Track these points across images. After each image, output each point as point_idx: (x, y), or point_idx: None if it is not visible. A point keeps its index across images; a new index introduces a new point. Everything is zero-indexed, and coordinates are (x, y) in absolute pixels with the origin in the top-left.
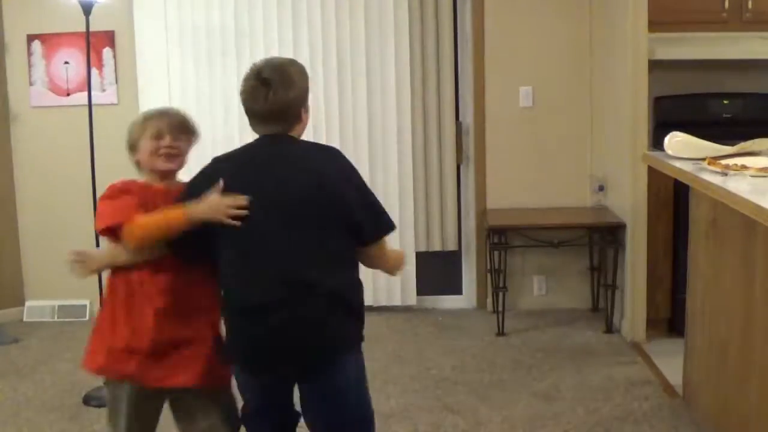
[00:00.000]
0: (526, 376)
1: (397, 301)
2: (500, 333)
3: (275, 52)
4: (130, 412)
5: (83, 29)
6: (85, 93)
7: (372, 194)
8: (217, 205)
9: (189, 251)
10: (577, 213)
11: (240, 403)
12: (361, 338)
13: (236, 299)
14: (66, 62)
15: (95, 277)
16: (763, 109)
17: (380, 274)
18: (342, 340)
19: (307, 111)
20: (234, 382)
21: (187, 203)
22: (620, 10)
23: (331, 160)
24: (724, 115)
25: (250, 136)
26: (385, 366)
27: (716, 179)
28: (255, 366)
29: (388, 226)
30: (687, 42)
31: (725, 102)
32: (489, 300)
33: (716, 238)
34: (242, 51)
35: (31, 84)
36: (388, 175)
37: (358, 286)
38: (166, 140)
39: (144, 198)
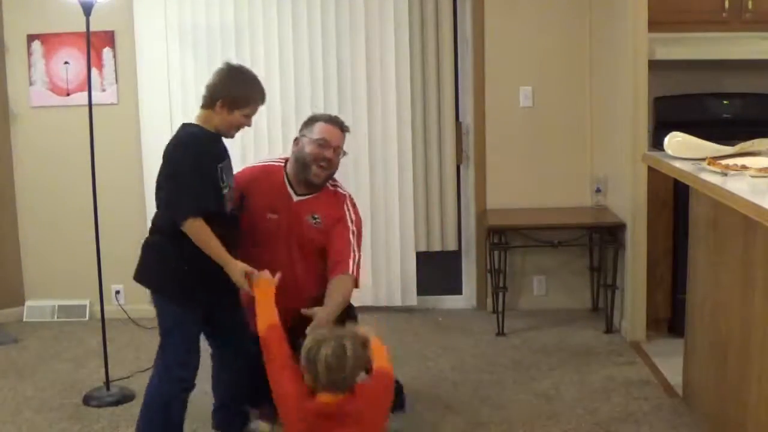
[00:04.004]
0: (526, 376)
1: (397, 302)
2: (500, 333)
3: (275, 52)
4: None
5: (83, 29)
6: (85, 93)
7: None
8: None
9: None
10: (577, 213)
11: None
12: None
13: None
14: (66, 62)
15: (95, 277)
16: (763, 109)
17: (381, 274)
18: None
19: None
20: None
21: None
22: (620, 10)
23: None
24: (724, 115)
25: (249, 135)
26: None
27: (716, 179)
28: None
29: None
30: (687, 42)
31: (725, 102)
32: (489, 300)
33: (716, 238)
34: (242, 51)
35: (31, 84)
36: (388, 175)
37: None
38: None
39: None
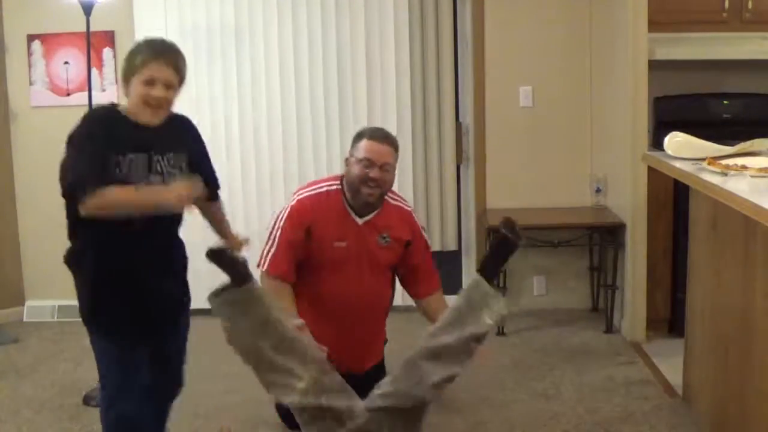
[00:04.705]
0: (526, 376)
1: (397, 301)
2: (500, 333)
3: (275, 52)
4: None
5: (83, 29)
6: (85, 93)
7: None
8: None
9: None
10: (577, 213)
11: None
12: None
13: None
14: (66, 62)
15: None
16: (763, 109)
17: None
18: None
19: None
20: None
21: None
22: (620, 10)
23: None
24: (724, 115)
25: (250, 136)
26: (386, 366)
27: (716, 179)
28: None
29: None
30: (687, 42)
31: (725, 102)
32: None
33: (716, 238)
34: (242, 51)
35: (31, 84)
36: None
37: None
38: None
39: None
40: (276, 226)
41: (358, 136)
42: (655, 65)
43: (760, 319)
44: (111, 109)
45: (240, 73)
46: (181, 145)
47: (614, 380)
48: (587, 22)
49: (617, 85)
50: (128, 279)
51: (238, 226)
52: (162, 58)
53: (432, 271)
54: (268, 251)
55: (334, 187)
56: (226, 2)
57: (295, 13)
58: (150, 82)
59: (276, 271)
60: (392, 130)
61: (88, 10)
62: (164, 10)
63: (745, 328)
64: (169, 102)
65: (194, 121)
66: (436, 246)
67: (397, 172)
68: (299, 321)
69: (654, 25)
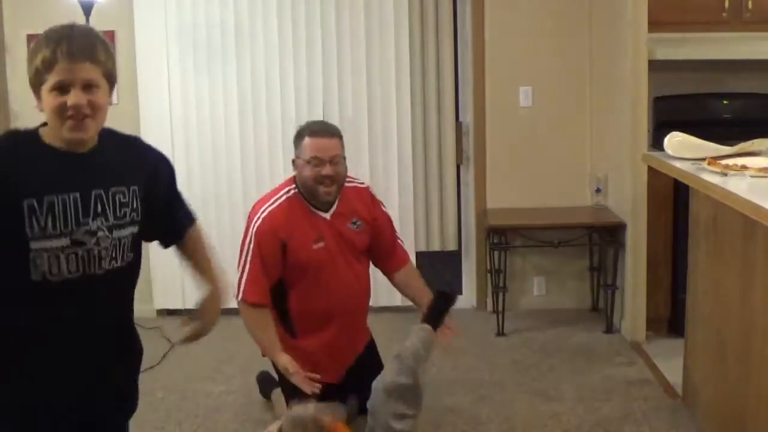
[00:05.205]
0: (526, 376)
1: (397, 302)
2: (500, 333)
3: (275, 52)
4: None
5: None
6: None
7: None
8: None
9: None
10: (577, 213)
11: None
12: None
13: None
14: None
15: None
16: (763, 109)
17: (381, 274)
18: None
19: None
20: None
21: None
22: (620, 10)
23: None
24: (724, 115)
25: (249, 134)
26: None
27: (716, 179)
28: None
29: None
30: (687, 42)
31: (725, 102)
32: (489, 300)
33: (716, 238)
34: (242, 51)
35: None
36: (389, 175)
37: None
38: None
39: None
40: (246, 250)
41: (299, 136)
42: (655, 65)
43: (760, 319)
44: (24, 135)
45: (240, 71)
46: (133, 176)
47: (614, 380)
48: (587, 22)
49: (617, 85)
50: (53, 370)
51: (238, 226)
52: (70, 51)
53: (398, 243)
54: (241, 277)
55: (292, 192)
56: (225, 1)
57: (295, 12)
58: (61, 88)
59: (253, 297)
60: (392, 129)
61: (88, 10)
62: (164, 10)
63: (744, 328)
64: (97, 107)
65: (192, 123)
66: (435, 246)
67: (397, 172)
68: (289, 362)
69: (654, 25)
